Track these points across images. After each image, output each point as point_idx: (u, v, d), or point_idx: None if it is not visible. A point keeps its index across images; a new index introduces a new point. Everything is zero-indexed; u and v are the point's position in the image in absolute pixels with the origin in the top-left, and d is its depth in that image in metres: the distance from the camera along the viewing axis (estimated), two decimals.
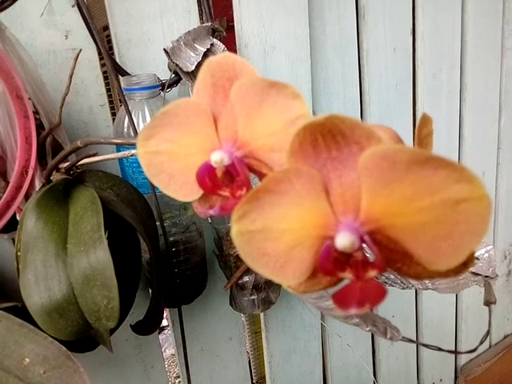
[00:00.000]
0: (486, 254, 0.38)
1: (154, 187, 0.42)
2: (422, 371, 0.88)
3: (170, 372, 1.14)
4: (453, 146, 0.79)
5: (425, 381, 0.89)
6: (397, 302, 0.79)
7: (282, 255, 0.20)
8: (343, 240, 0.18)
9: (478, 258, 0.37)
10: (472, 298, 0.89)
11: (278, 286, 0.55)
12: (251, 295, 0.52)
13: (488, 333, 0.33)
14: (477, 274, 0.36)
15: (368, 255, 0.19)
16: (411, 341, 0.32)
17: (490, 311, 0.35)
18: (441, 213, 0.16)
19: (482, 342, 0.31)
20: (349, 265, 0.19)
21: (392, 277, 0.42)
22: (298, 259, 0.20)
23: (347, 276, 0.19)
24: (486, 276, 0.36)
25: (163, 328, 1.09)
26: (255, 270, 0.21)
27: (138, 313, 0.44)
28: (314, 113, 0.60)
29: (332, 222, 0.19)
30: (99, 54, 0.45)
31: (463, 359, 0.94)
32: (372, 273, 0.18)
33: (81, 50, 0.38)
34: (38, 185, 0.39)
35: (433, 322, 0.86)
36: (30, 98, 0.38)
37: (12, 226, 0.39)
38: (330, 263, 0.19)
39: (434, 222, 0.17)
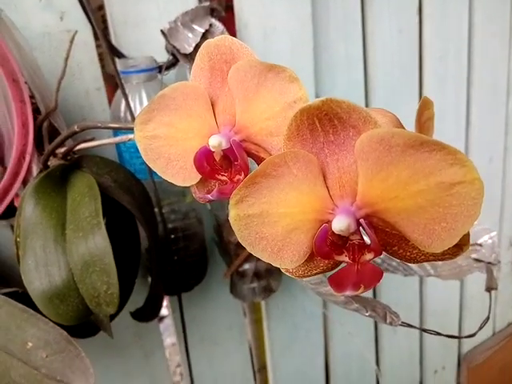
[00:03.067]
0: (490, 241, 0.37)
1: (152, 173, 0.41)
2: (424, 359, 0.89)
3: (170, 361, 1.14)
4: (460, 130, 0.78)
5: (427, 368, 0.90)
6: (401, 291, 0.79)
7: (279, 239, 0.20)
8: (340, 223, 0.18)
9: (480, 245, 0.37)
10: (476, 286, 0.89)
11: (279, 274, 0.55)
12: (252, 283, 0.52)
13: (488, 318, 0.33)
14: (479, 261, 0.36)
15: (365, 238, 0.19)
16: (411, 326, 0.32)
17: (490, 297, 0.35)
18: (435, 196, 0.17)
19: (481, 327, 0.32)
20: (345, 248, 0.19)
21: (394, 264, 0.41)
22: (296, 243, 0.20)
23: (344, 259, 0.19)
24: (489, 262, 0.36)
25: (164, 317, 1.10)
26: (253, 253, 0.21)
27: (137, 300, 0.44)
28: (317, 97, 0.59)
29: (329, 206, 0.19)
30: (95, 35, 0.44)
31: (466, 347, 0.94)
32: (368, 256, 0.19)
33: (76, 31, 0.37)
34: (35, 170, 0.38)
35: (437, 311, 0.86)
36: (25, 82, 0.37)
37: (10, 212, 0.39)
38: (327, 246, 0.19)
39: (429, 205, 0.17)
